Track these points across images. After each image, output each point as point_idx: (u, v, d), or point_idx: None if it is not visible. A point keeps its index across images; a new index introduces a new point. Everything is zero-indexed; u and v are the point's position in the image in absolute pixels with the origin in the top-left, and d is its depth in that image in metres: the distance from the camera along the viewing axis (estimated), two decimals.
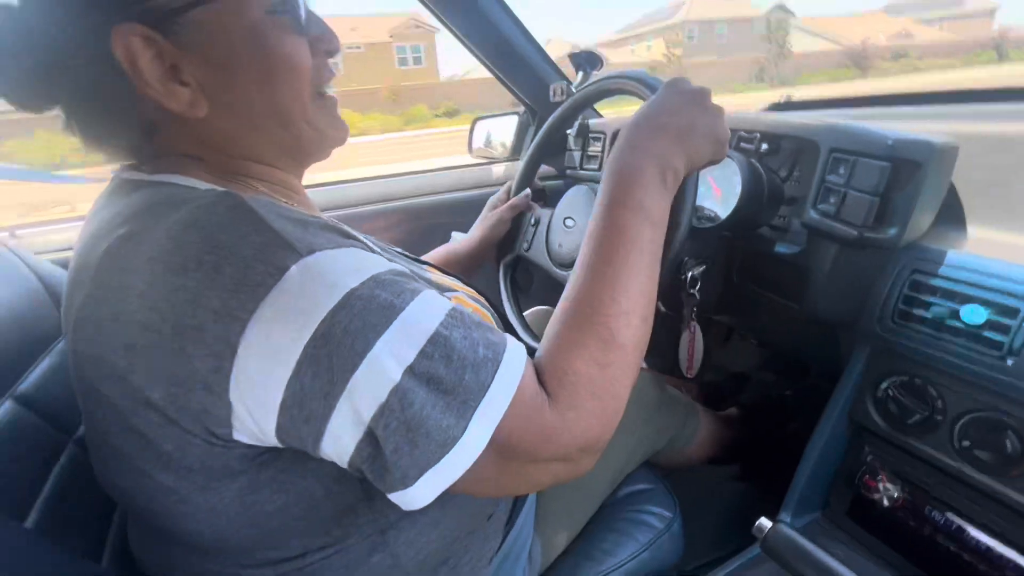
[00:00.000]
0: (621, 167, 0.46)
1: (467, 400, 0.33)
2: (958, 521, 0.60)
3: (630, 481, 0.76)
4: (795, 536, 0.51)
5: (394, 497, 0.33)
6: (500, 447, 0.34)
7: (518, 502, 0.59)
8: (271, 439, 0.33)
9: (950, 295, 0.56)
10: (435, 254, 0.84)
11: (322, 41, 0.44)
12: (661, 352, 1.33)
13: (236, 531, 0.37)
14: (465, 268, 0.84)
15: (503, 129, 1.23)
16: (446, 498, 0.34)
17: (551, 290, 0.68)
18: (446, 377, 0.33)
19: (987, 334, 0.52)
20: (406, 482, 0.32)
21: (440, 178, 1.14)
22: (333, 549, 0.41)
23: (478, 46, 1.00)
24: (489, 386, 0.33)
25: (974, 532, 0.59)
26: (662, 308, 0.95)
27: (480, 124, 1.28)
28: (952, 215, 0.62)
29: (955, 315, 0.54)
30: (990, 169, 0.59)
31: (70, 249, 0.59)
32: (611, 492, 0.74)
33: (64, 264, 0.47)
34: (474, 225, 0.88)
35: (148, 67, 0.36)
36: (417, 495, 0.33)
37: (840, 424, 0.70)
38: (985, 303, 0.53)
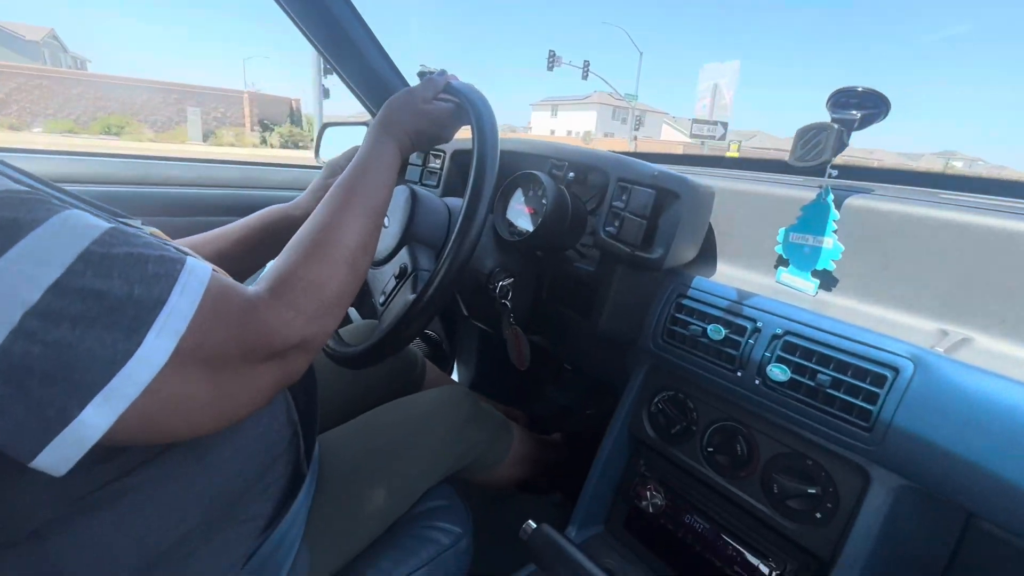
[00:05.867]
0: None
1: (138, 315, 0.31)
2: (704, 524, 0.67)
3: (429, 497, 0.72)
4: (555, 536, 0.51)
5: (66, 433, 0.29)
6: (204, 357, 0.33)
7: (283, 506, 0.53)
8: None
9: (702, 316, 0.64)
10: (271, 210, 0.77)
11: None
12: (486, 374, 1.34)
13: None
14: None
15: (352, 138, 1.20)
16: (185, 482, 0.33)
17: None
18: (109, 292, 0.30)
19: (725, 349, 0.60)
20: (68, 412, 0.29)
21: (271, 173, 1.07)
22: None
23: (326, 47, 0.98)
24: (166, 299, 0.32)
25: (715, 533, 0.66)
26: (484, 327, 0.97)
27: (329, 131, 1.23)
28: (710, 252, 0.73)
29: (704, 333, 0.62)
30: (734, 218, 0.71)
31: None
32: (408, 508, 0.70)
33: None
34: (310, 187, 0.83)
35: None
36: (90, 422, 0.30)
37: (621, 438, 0.75)
38: (724, 323, 0.61)
